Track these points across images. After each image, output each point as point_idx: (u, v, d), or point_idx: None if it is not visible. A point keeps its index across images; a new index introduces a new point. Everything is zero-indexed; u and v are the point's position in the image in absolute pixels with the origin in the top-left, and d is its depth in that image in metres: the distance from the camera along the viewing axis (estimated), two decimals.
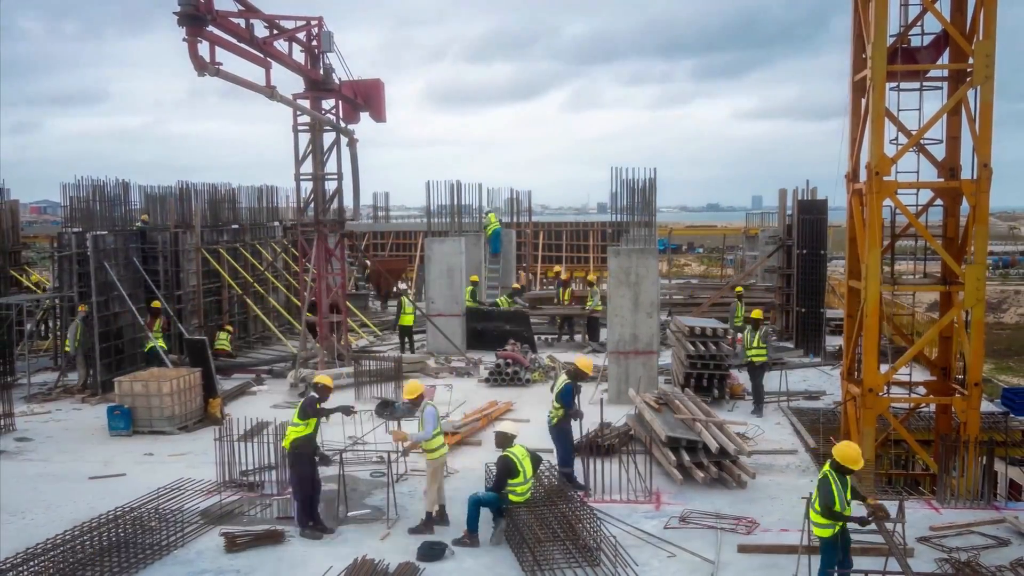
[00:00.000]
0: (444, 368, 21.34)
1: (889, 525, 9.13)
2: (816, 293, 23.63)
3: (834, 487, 8.55)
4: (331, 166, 20.93)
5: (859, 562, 9.19)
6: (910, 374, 15.14)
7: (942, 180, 13.81)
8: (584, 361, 12.96)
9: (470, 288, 24.60)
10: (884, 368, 13.63)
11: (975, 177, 12.88)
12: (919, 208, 14.15)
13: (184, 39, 13.88)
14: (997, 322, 48.81)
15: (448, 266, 23.60)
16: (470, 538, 10.50)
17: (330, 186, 21.03)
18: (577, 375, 12.75)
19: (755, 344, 17.10)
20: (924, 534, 10.72)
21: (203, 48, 14.23)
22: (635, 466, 12.60)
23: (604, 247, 33.86)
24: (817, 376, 20.92)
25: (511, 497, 10.55)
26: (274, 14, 17.38)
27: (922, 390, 15.15)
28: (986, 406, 16.48)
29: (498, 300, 25.44)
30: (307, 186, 20.97)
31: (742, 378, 18.45)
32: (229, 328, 23.57)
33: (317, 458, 11.11)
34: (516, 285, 27.87)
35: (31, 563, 9.74)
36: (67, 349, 19.32)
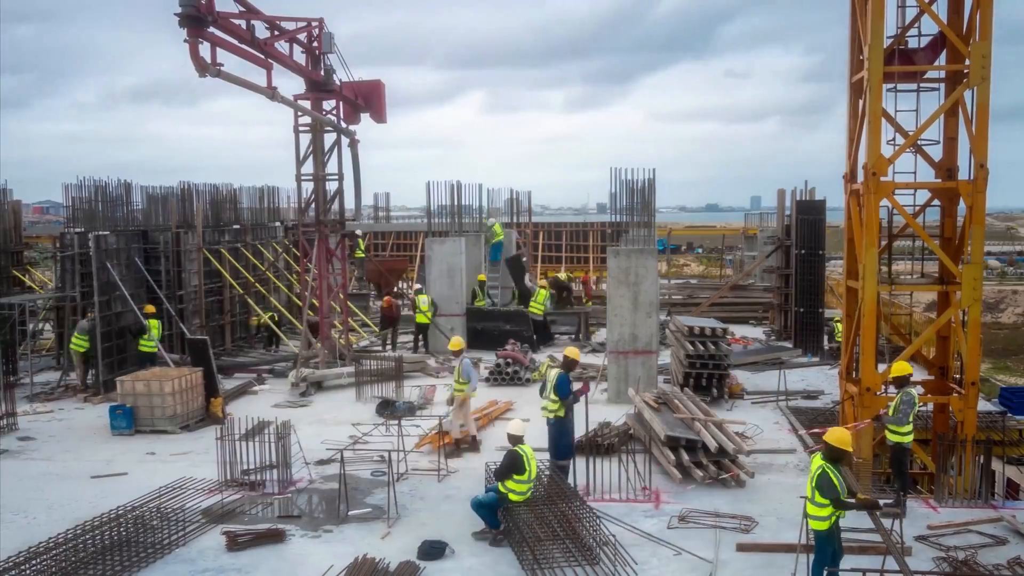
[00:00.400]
0: (444, 368, 21.40)
1: (887, 521, 9.18)
2: (814, 293, 23.73)
3: (834, 478, 8.62)
4: (332, 167, 21.06)
5: (857, 561, 9.26)
6: None
7: (939, 181, 13.84)
8: (573, 350, 13.32)
9: (476, 287, 24.93)
10: (882, 367, 13.68)
11: (972, 177, 12.94)
12: (916, 208, 14.20)
13: (185, 40, 13.96)
14: (995, 322, 48.91)
15: (448, 266, 23.69)
16: (500, 535, 10.63)
17: (331, 187, 21.12)
18: (570, 365, 13.04)
19: (892, 412, 11.67)
20: (922, 533, 10.80)
21: (204, 49, 14.32)
22: (634, 465, 12.66)
23: (603, 247, 33.94)
24: (816, 375, 21.01)
25: (511, 496, 10.61)
26: (275, 15, 17.45)
27: (920, 389, 15.19)
28: (983, 405, 16.56)
29: (539, 291, 24.80)
30: (308, 186, 21.09)
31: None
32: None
33: None
34: (561, 276, 27.99)
35: (33, 562, 9.80)
36: (80, 349, 19.25)
